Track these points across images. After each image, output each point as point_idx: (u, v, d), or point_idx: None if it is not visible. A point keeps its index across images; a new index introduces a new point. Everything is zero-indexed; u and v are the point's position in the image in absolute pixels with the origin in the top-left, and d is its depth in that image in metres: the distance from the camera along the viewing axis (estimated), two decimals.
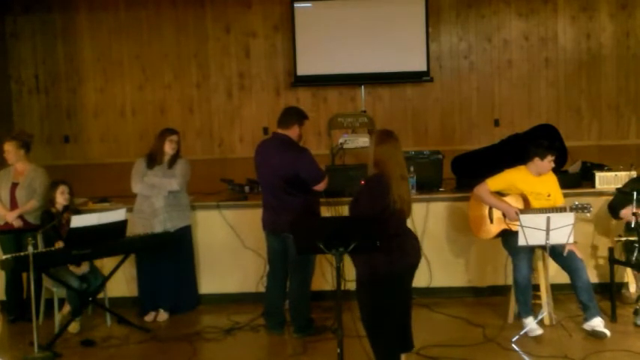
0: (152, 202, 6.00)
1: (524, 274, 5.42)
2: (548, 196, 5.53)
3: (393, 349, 4.39)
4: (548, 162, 5.55)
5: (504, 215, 5.55)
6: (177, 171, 6.03)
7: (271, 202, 5.56)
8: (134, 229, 5.96)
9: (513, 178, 5.59)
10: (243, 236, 6.41)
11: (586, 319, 5.42)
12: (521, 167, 5.60)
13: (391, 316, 4.35)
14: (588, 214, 5.51)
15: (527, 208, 5.47)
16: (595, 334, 5.32)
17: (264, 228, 5.72)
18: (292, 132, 5.50)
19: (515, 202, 5.53)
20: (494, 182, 5.59)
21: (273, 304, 5.76)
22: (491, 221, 5.67)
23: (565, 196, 5.68)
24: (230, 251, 6.44)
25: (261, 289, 6.28)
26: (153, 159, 6.07)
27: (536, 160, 5.53)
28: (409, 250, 4.34)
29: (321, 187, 5.51)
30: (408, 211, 4.41)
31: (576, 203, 5.43)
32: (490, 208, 5.65)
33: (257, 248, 6.31)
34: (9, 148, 6.14)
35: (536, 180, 5.56)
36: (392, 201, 4.27)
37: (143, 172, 6.04)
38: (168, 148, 6.04)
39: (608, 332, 5.31)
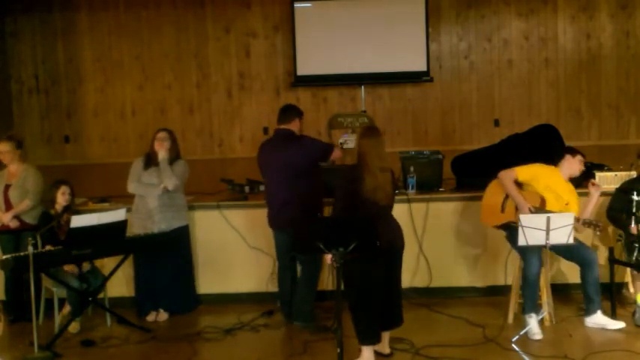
0: (147, 203, 6.01)
1: (535, 270, 5.40)
2: (567, 204, 5.50)
3: (372, 322, 4.85)
4: (579, 162, 5.59)
5: (517, 209, 5.54)
6: (174, 172, 6.02)
7: (278, 199, 5.69)
8: (132, 230, 5.95)
9: (542, 171, 5.58)
10: (243, 236, 6.41)
11: (588, 313, 5.48)
12: (554, 167, 5.62)
13: (369, 295, 4.78)
14: (598, 233, 5.51)
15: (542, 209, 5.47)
16: (600, 326, 5.42)
17: (270, 226, 5.83)
18: (294, 125, 5.82)
19: (531, 199, 5.50)
20: (523, 171, 5.57)
21: (285, 296, 5.93)
22: (503, 211, 5.64)
23: None
24: (230, 251, 6.45)
25: (262, 289, 6.32)
26: (149, 160, 6.08)
27: (568, 157, 5.57)
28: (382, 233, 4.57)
29: (337, 154, 5.89)
30: (385, 199, 4.84)
31: (590, 219, 5.41)
32: (506, 198, 5.62)
33: (257, 248, 6.32)
34: (6, 148, 6.14)
35: (563, 183, 5.56)
36: (364, 190, 4.74)
37: (139, 173, 6.06)
38: (157, 147, 6.04)
39: (613, 323, 5.39)
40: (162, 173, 5.96)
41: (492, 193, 5.74)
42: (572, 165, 5.61)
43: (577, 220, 5.39)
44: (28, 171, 6.21)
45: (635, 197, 5.62)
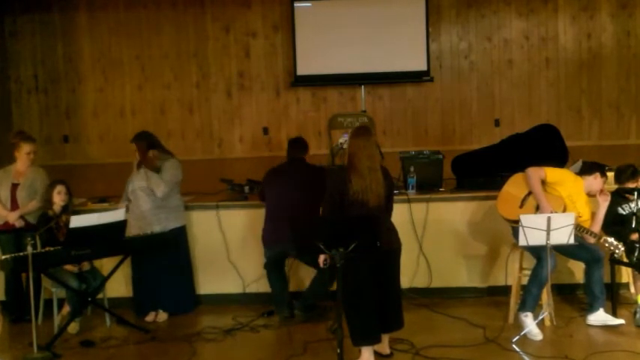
0: (139, 204, 6.01)
1: (548, 270, 5.38)
2: (580, 217, 5.47)
3: (364, 323, 4.74)
4: (603, 183, 5.60)
5: (537, 208, 5.49)
6: (163, 177, 6.00)
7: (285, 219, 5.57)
8: (130, 230, 5.92)
9: (570, 179, 5.56)
10: (243, 236, 6.41)
11: (592, 310, 5.49)
12: (579, 177, 5.61)
13: (357, 294, 4.67)
14: (615, 255, 5.50)
15: None
16: (602, 322, 5.44)
17: (267, 244, 5.92)
18: (307, 157, 6.12)
19: (555, 204, 5.43)
20: (553, 172, 5.54)
21: (278, 293, 5.98)
22: (521, 206, 5.58)
23: None
24: (230, 251, 6.44)
25: (262, 289, 6.31)
26: (140, 162, 6.09)
27: (597, 174, 5.59)
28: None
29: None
30: (374, 200, 4.73)
31: (610, 240, 5.38)
32: (528, 195, 5.57)
33: (257, 248, 6.31)
34: (34, 148, 6.21)
35: (583, 195, 5.54)
36: (352, 191, 4.66)
37: (133, 174, 6.12)
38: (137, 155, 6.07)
39: (614, 320, 5.43)
40: (148, 181, 5.98)
41: (516, 185, 5.64)
42: (597, 184, 5.60)
43: (597, 237, 5.38)
44: (37, 172, 6.20)
45: (624, 211, 5.78)
